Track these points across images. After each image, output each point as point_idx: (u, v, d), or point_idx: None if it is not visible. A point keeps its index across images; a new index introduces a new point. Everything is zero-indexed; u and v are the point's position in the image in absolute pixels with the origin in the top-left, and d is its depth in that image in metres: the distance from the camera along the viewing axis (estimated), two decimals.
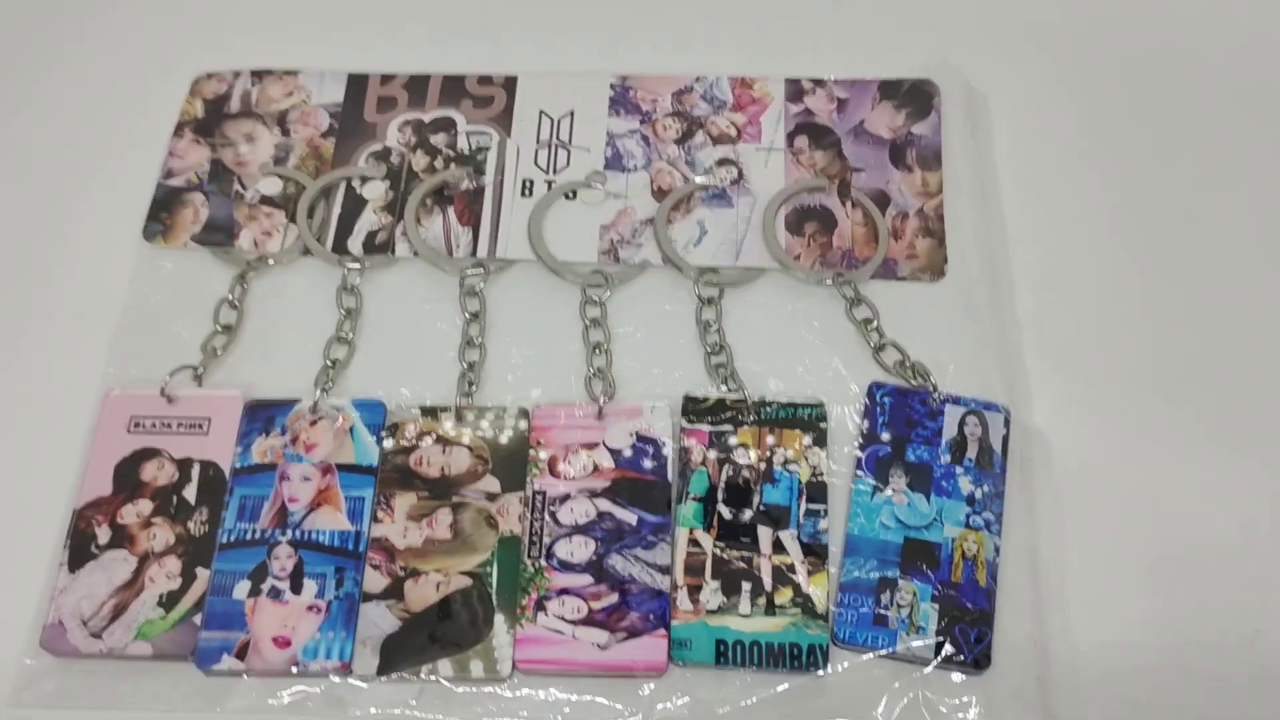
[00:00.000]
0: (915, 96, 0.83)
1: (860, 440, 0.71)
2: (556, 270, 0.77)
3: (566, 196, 0.79)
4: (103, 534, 0.68)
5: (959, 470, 0.70)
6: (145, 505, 0.69)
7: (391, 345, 0.75)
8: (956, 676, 0.66)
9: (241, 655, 0.64)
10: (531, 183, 0.80)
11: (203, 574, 0.67)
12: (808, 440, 0.71)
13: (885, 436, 0.71)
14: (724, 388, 0.73)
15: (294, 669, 0.64)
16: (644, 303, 0.76)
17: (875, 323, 0.75)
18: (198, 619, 0.65)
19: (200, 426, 0.71)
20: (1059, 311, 0.77)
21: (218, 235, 0.78)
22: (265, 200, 0.80)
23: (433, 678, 0.64)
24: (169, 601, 0.66)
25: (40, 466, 0.71)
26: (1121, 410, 0.74)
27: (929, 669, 0.65)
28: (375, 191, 0.80)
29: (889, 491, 0.70)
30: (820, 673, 0.65)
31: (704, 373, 0.74)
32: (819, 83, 0.84)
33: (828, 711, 0.65)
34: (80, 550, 0.67)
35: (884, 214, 0.79)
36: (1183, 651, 0.67)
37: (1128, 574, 0.69)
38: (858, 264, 0.77)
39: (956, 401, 0.72)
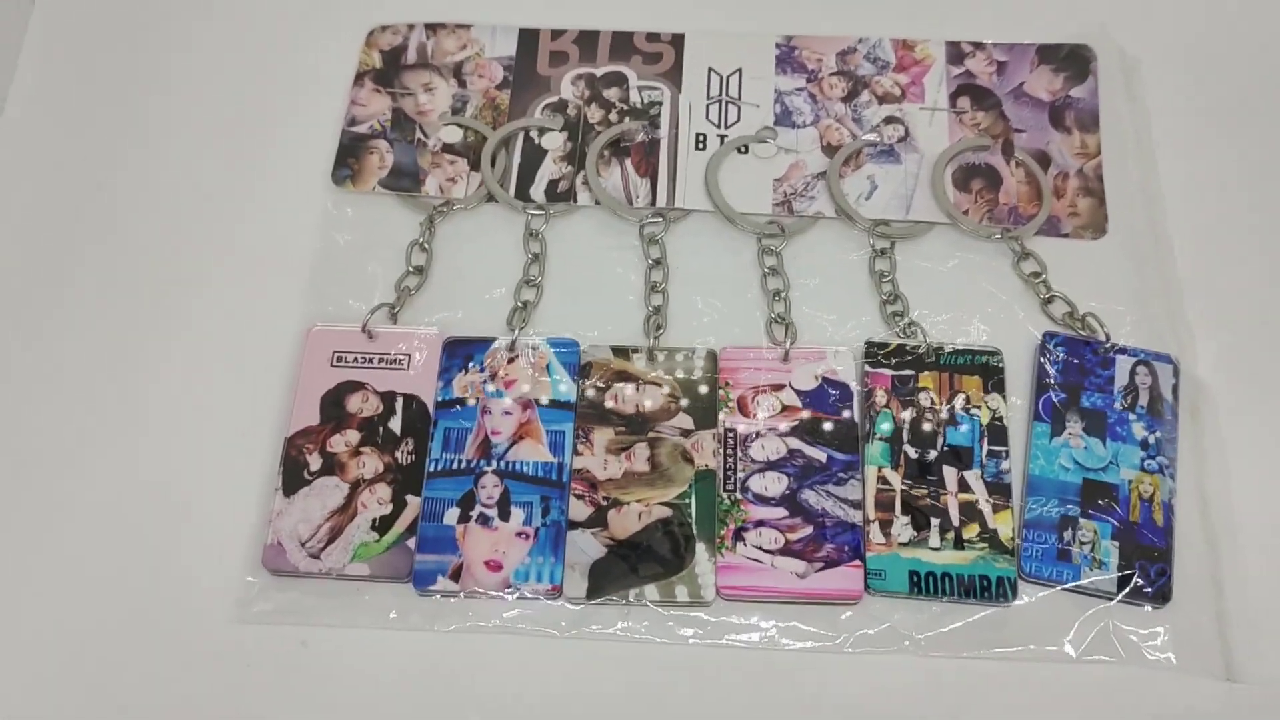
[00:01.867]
0: (1073, 61, 0.85)
1: (1036, 387, 0.73)
2: (733, 220, 0.79)
3: (739, 150, 0.82)
4: (314, 461, 0.70)
5: (1132, 417, 0.72)
6: (353, 435, 0.71)
7: (577, 289, 0.77)
8: (1142, 610, 0.67)
9: (455, 577, 0.67)
10: (704, 136, 0.82)
11: (413, 500, 0.69)
12: (987, 385, 0.73)
13: (1060, 384, 0.73)
14: (902, 335, 0.75)
15: (506, 591, 0.67)
16: (818, 253, 0.79)
17: (1043, 276, 0.77)
18: (410, 543, 0.68)
19: (400, 362, 0.73)
20: (1218, 269, 0.79)
21: (404, 181, 0.81)
22: (447, 148, 0.82)
23: (640, 602, 0.67)
24: (382, 525, 0.69)
25: (249, 399, 0.73)
26: None
27: (1114, 601, 0.67)
28: (554, 142, 0.82)
29: (1066, 435, 0.72)
30: (1010, 603, 0.67)
31: (879, 321, 0.76)
32: (978, 46, 0.86)
33: (1019, 639, 0.67)
34: (294, 476, 0.70)
35: (1046, 173, 0.81)
36: None
37: None
38: (1023, 221, 0.79)
39: (1126, 352, 0.74)
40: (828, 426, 0.71)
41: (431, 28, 0.87)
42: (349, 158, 0.82)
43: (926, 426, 0.72)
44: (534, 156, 0.82)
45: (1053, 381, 0.74)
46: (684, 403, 0.72)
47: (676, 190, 0.80)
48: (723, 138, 0.82)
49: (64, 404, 0.74)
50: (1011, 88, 0.84)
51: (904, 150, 0.82)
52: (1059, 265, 0.77)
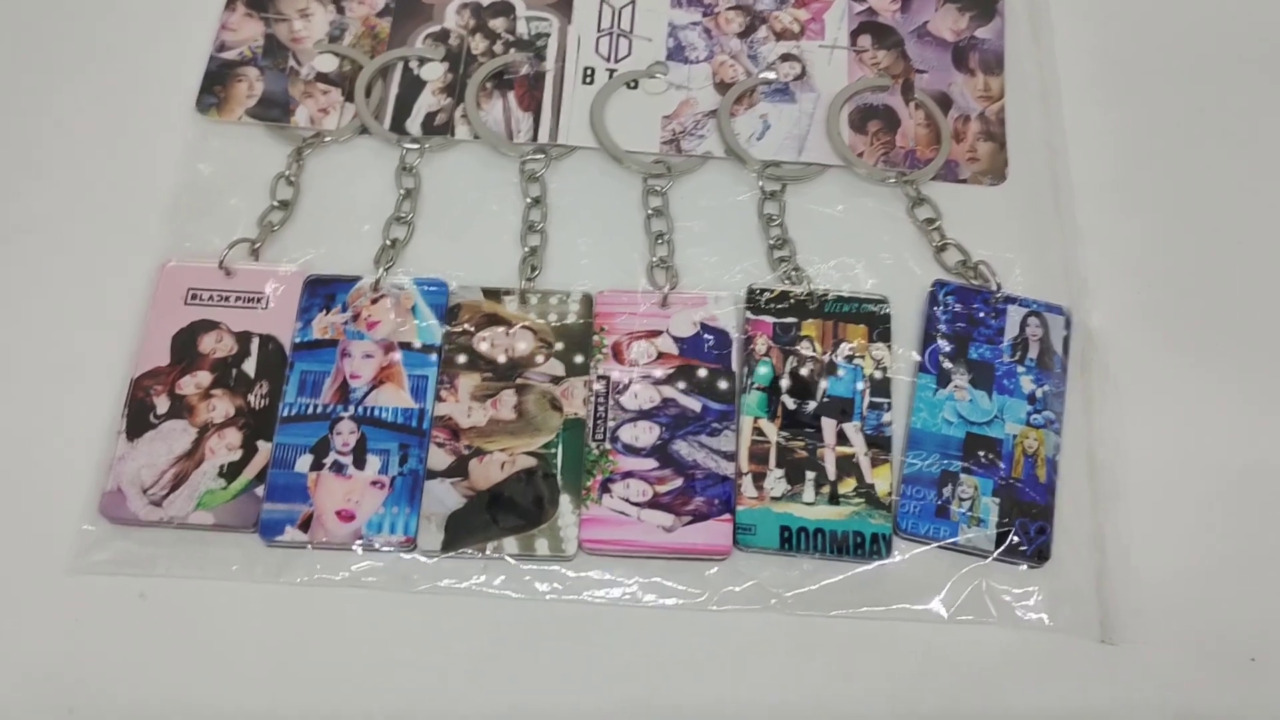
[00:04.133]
0: (979, 0, 0.82)
1: (922, 337, 0.71)
2: (618, 158, 0.76)
3: (628, 85, 0.79)
4: (161, 404, 0.67)
5: (1020, 369, 0.70)
6: (204, 376, 0.68)
7: (451, 228, 0.74)
8: (1018, 569, 0.66)
9: (304, 528, 0.65)
10: (593, 70, 0.79)
11: (264, 446, 0.66)
12: (872, 335, 0.71)
13: (948, 334, 0.71)
14: (787, 281, 0.72)
15: (358, 543, 0.64)
16: (706, 195, 0.76)
17: (937, 223, 0.75)
18: (259, 491, 0.65)
19: (259, 300, 0.70)
20: (1119, 218, 0.77)
21: (273, 111, 0.77)
22: (321, 78, 0.78)
23: (498, 555, 0.64)
24: (230, 472, 0.66)
25: (96, 337, 0.70)
26: (1179, 317, 0.74)
27: (990, 559, 0.66)
28: (434, 73, 0.78)
29: (952, 388, 0.69)
30: (883, 561, 0.65)
31: (766, 266, 0.74)
32: None
33: (890, 598, 0.65)
34: (139, 420, 0.67)
35: (946, 116, 0.78)
36: (1233, 555, 0.68)
37: (1181, 477, 0.69)
38: (920, 165, 0.77)
39: (1018, 302, 0.72)
40: (702, 374, 0.69)
41: None
42: (215, 85, 0.78)
43: (806, 376, 0.69)
44: (412, 88, 0.78)
45: (941, 332, 0.71)
46: (557, 348, 0.69)
47: (560, 126, 0.77)
48: (611, 72, 0.79)
49: None
50: (915, 26, 0.82)
51: (800, 89, 0.79)
52: (955, 212, 0.75)
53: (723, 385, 0.69)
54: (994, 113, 0.79)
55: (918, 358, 0.71)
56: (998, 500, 0.67)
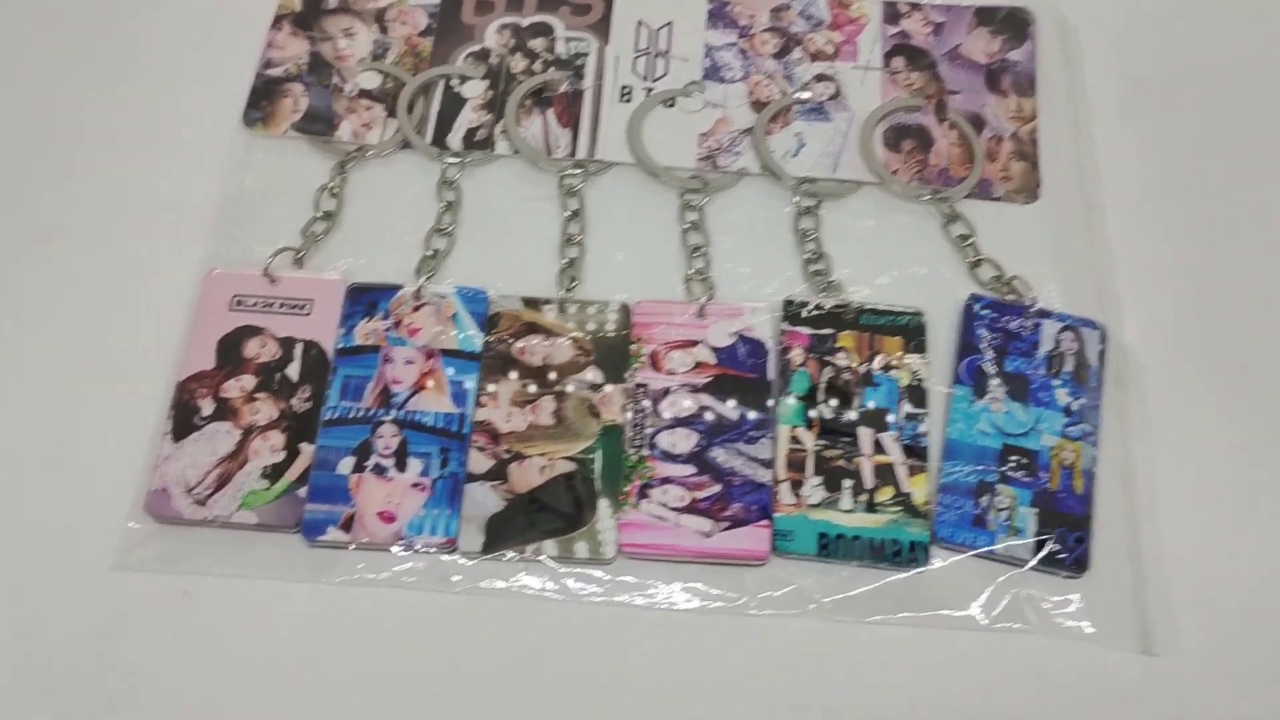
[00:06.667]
0: (1010, 23, 0.84)
1: (958, 350, 0.72)
2: (655, 174, 0.77)
3: (665, 104, 0.79)
4: (206, 406, 0.68)
5: (1055, 383, 0.70)
6: (248, 380, 0.69)
7: (490, 240, 0.75)
8: (1056, 578, 0.66)
9: (346, 528, 0.65)
10: (630, 89, 0.80)
11: (306, 448, 0.67)
12: (908, 346, 0.71)
13: (983, 347, 0.71)
14: (822, 294, 0.73)
15: (399, 544, 0.64)
16: (741, 210, 0.76)
17: (971, 239, 0.75)
18: (302, 492, 0.66)
19: (302, 307, 0.71)
20: (1148, 239, 0.77)
21: (317, 125, 0.78)
22: (364, 94, 0.80)
23: (537, 557, 0.65)
24: (273, 473, 0.66)
25: (144, 342, 0.71)
26: (1213, 333, 0.74)
27: (1028, 567, 0.66)
28: (474, 90, 0.80)
29: (988, 399, 0.70)
30: (921, 568, 0.65)
31: (801, 280, 0.74)
32: (915, 5, 0.84)
33: (929, 604, 0.65)
34: (184, 421, 0.67)
35: (979, 136, 0.79)
36: (1272, 568, 0.68)
37: (1219, 491, 0.70)
38: (953, 183, 0.77)
39: (1053, 316, 0.72)
40: (741, 384, 0.69)
41: None
42: (262, 100, 0.79)
43: (843, 386, 0.70)
44: (453, 105, 0.79)
45: (976, 345, 0.71)
46: (594, 357, 0.69)
47: (598, 142, 0.78)
48: (649, 91, 0.80)
49: None
50: (947, 49, 0.83)
51: (834, 109, 0.80)
52: (989, 229, 0.75)
53: (759, 394, 0.69)
54: (1026, 133, 0.80)
55: (953, 370, 0.71)
56: (1035, 510, 0.67)
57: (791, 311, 0.72)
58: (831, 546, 0.65)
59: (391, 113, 0.78)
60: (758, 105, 0.80)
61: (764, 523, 0.65)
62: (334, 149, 0.77)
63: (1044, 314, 0.72)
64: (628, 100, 0.79)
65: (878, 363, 0.71)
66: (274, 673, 0.63)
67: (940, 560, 0.66)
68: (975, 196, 0.77)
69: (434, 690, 0.63)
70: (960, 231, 0.75)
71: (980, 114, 0.80)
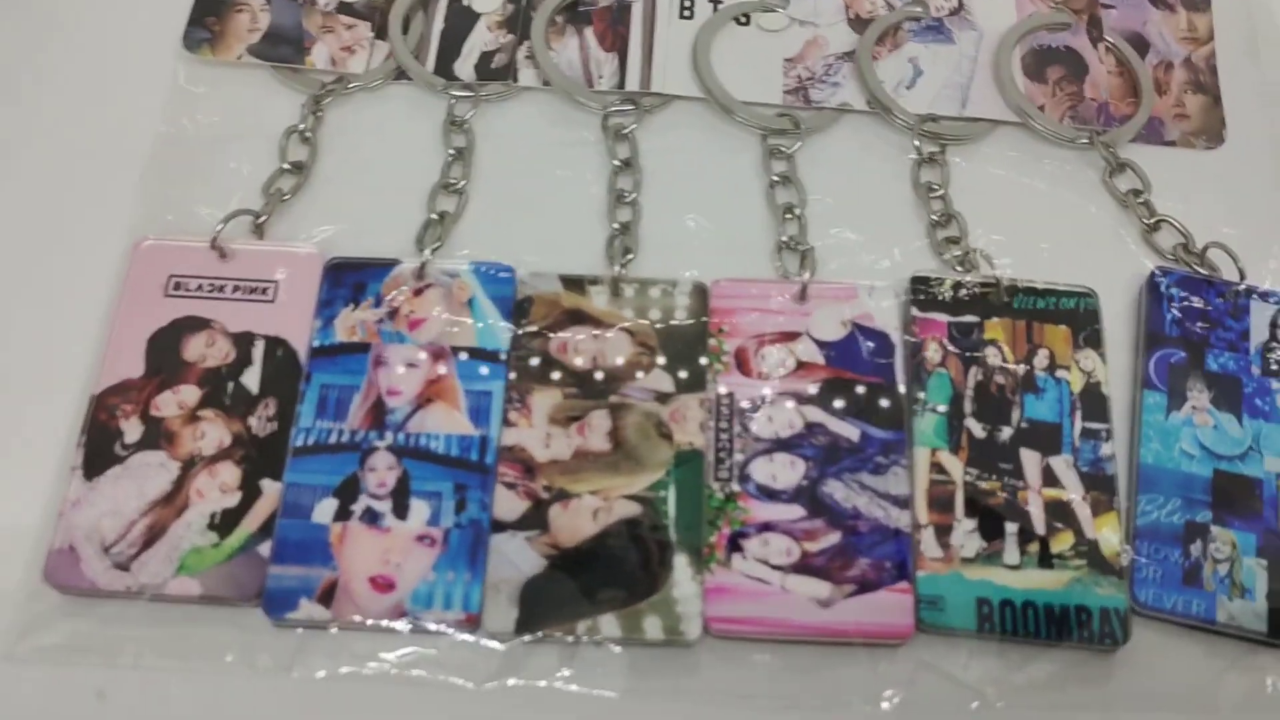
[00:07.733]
0: None
1: (1144, 342, 0.59)
2: (731, 110, 0.66)
3: (739, 21, 0.69)
4: (131, 429, 0.56)
5: (1276, 385, 0.58)
6: (190, 393, 0.57)
7: (515, 200, 0.64)
8: None
9: (326, 601, 0.53)
10: (693, 2, 0.69)
11: (270, 488, 0.55)
12: (1078, 338, 0.59)
13: (1176, 338, 0.59)
14: (959, 269, 0.61)
15: (400, 622, 0.53)
16: (844, 158, 0.66)
17: (1145, 195, 0.64)
18: (264, 549, 0.54)
19: (264, 291, 0.60)
20: None
21: (282, 49, 0.67)
22: (344, 7, 0.68)
23: (592, 639, 0.52)
24: (224, 523, 0.54)
25: (50, 343, 0.59)
26: None
27: (1265, 643, 0.52)
28: (490, 4, 0.69)
29: (1189, 409, 0.57)
30: (1120, 647, 0.52)
31: (928, 250, 0.63)
32: None
33: (1132, 699, 0.52)
34: (100, 451, 0.55)
35: (1144, 61, 0.68)
36: None
37: None
38: (1116, 122, 0.67)
39: (1265, 297, 0.61)
40: (860, 391, 0.57)
41: None
42: (208, 16, 0.68)
43: (997, 393, 0.57)
44: (463, 21, 0.68)
45: (1168, 335, 0.59)
46: (660, 356, 0.58)
47: (654, 70, 0.67)
48: (717, 4, 0.69)
49: None
50: None
51: (958, 27, 0.69)
52: (1165, 181, 0.64)
53: (886, 405, 0.57)
54: (1202, 58, 0.70)
55: (1139, 369, 0.58)
56: (1264, 562, 0.54)
57: (923, 292, 0.60)
58: (995, 618, 0.53)
59: (381, 32, 0.67)
60: (859, 23, 0.69)
61: (902, 585, 0.53)
62: (305, 79, 0.67)
63: (1252, 292, 0.61)
64: (689, 17, 0.68)
65: (1039, 360, 0.59)
66: None
67: (1142, 634, 0.52)
68: (1144, 140, 0.67)
69: None
70: (1129, 185, 0.65)
71: (1143, 33, 0.71)
